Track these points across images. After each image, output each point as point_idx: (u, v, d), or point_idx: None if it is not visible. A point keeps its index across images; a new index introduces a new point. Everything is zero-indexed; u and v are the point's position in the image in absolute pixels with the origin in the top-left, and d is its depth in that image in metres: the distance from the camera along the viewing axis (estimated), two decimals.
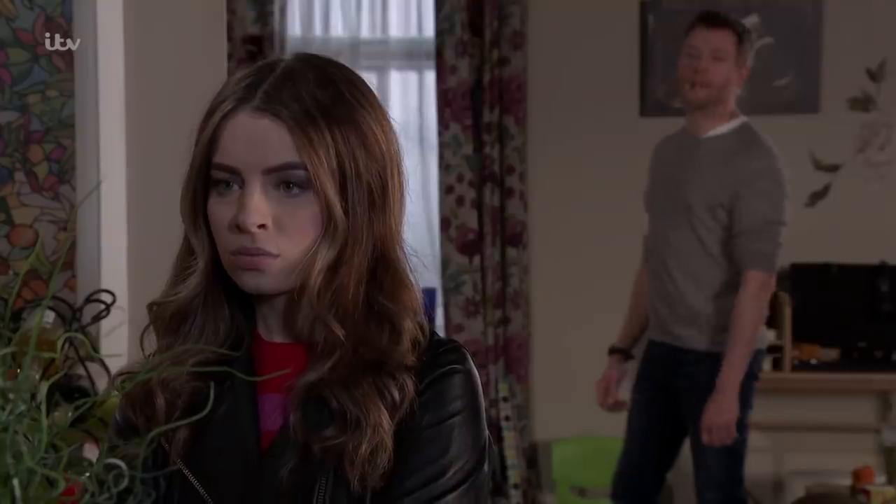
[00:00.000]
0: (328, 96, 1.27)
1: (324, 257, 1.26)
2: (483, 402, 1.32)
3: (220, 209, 1.27)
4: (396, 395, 1.24)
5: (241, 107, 1.26)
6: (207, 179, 1.28)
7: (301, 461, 1.25)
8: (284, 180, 1.25)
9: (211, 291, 1.32)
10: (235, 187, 1.26)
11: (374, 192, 1.28)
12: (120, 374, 1.34)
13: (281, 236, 1.25)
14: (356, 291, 1.27)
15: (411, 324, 1.29)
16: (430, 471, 1.25)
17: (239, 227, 1.24)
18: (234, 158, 1.26)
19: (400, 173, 1.32)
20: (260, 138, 1.25)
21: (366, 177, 1.27)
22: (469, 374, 1.29)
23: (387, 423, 1.23)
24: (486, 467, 1.29)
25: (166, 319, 1.32)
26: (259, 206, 1.24)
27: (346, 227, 1.26)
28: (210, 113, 1.29)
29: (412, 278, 1.32)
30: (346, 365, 1.26)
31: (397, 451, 1.24)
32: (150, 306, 1.34)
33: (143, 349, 1.35)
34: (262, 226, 1.25)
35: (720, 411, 3.32)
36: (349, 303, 1.27)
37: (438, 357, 1.29)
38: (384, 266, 1.30)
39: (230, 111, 1.27)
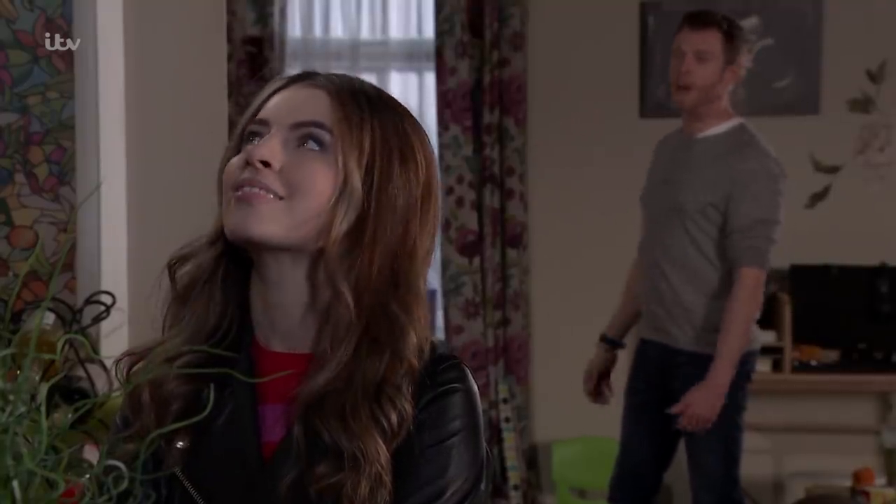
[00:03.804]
0: (383, 101, 1.29)
1: (341, 222, 1.24)
2: (482, 419, 1.30)
3: (236, 157, 1.27)
4: (395, 420, 1.22)
5: (294, 83, 1.29)
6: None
7: (301, 476, 1.23)
8: (309, 136, 1.25)
9: (223, 265, 1.31)
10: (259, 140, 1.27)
11: (405, 202, 1.27)
12: (123, 355, 1.33)
13: (288, 182, 1.24)
14: (377, 281, 1.25)
15: (416, 340, 1.26)
16: (428, 491, 1.23)
17: (247, 162, 1.24)
18: (266, 113, 1.28)
19: (435, 213, 1.31)
20: (298, 99, 1.27)
21: (398, 182, 1.27)
22: (469, 392, 1.28)
23: (384, 457, 1.21)
24: (483, 485, 1.28)
25: (183, 288, 1.31)
26: (271, 145, 1.24)
27: (361, 198, 1.25)
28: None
29: (426, 301, 1.30)
30: (347, 376, 1.23)
31: (395, 469, 1.22)
32: (170, 263, 1.33)
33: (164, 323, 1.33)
34: (267, 164, 1.23)
35: (705, 404, 3.31)
36: (368, 287, 1.25)
37: (438, 375, 1.27)
38: (404, 281, 1.28)
39: (281, 87, 1.30)
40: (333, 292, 1.25)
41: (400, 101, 1.33)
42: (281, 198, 1.23)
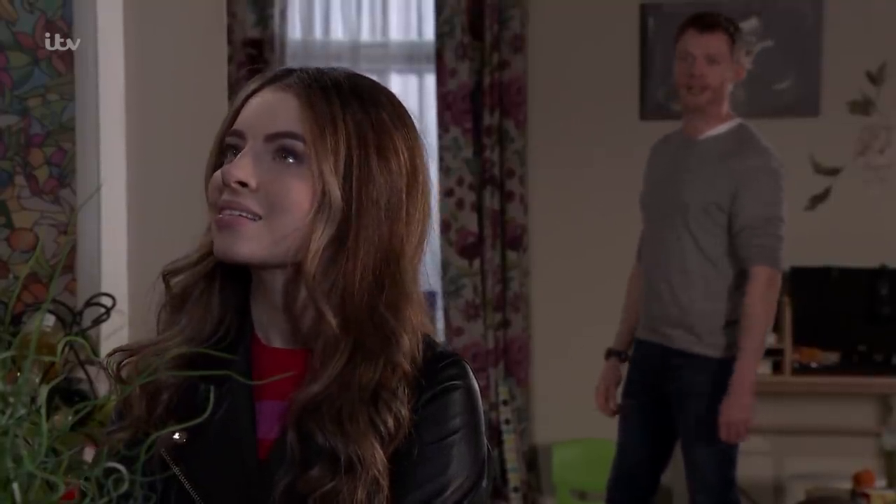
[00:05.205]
0: (357, 93, 1.27)
1: (320, 236, 1.23)
2: (483, 416, 1.29)
3: (216, 174, 1.27)
4: (392, 424, 1.21)
5: (267, 85, 1.29)
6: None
7: (296, 481, 1.22)
8: (282, 148, 1.24)
9: (217, 276, 1.31)
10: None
11: (388, 199, 1.26)
12: (115, 351, 1.33)
13: (265, 200, 1.23)
14: (360, 288, 1.24)
15: (408, 344, 1.25)
16: (429, 489, 1.23)
17: (224, 183, 1.24)
18: (242, 123, 1.27)
19: (424, 201, 1.29)
20: (271, 106, 1.26)
21: (379, 181, 1.25)
22: (469, 389, 1.27)
23: (381, 462, 1.20)
24: (484, 482, 1.27)
25: (176, 297, 1.31)
26: (245, 163, 1.24)
27: (342, 209, 1.23)
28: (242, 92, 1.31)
29: (420, 297, 1.29)
30: (342, 383, 1.22)
31: (395, 468, 1.21)
32: (165, 275, 1.33)
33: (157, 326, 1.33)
34: (244, 184, 1.23)
35: (738, 409, 3.31)
36: (353, 298, 1.24)
37: (439, 372, 1.26)
38: (391, 281, 1.26)
39: (256, 89, 1.29)
40: (316, 312, 1.25)
41: (379, 85, 1.31)
42: (260, 217, 1.24)
